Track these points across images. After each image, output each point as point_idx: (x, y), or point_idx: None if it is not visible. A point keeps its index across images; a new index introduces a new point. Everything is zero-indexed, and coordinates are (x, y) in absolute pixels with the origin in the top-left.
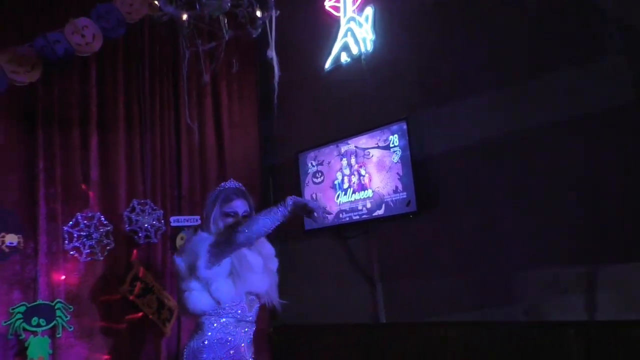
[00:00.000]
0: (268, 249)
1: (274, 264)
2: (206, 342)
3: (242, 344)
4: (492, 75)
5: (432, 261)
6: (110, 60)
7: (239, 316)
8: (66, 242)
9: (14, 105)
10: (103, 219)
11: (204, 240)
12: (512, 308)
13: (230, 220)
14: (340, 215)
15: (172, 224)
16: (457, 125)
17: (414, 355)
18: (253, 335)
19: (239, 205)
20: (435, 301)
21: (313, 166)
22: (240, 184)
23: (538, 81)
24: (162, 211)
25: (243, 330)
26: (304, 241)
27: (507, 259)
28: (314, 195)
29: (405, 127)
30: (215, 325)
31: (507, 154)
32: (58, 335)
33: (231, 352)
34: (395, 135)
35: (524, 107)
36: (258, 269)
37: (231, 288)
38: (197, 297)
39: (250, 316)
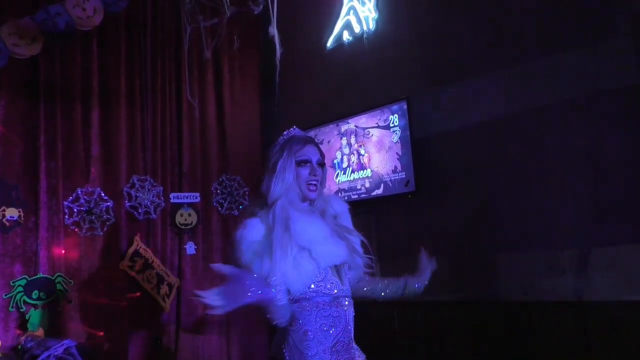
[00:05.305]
0: (337, 206)
1: (349, 221)
2: (309, 334)
3: (349, 326)
4: (495, 56)
5: (430, 241)
6: (112, 35)
7: (330, 292)
8: (66, 216)
9: (16, 79)
10: (103, 194)
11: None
12: (509, 287)
13: (304, 171)
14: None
15: (172, 201)
16: (457, 106)
17: (410, 333)
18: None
19: (312, 152)
20: (433, 281)
21: None
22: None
23: (540, 62)
24: (161, 187)
25: (343, 307)
26: None
27: (504, 240)
28: None
29: (405, 106)
30: (309, 310)
31: (506, 135)
32: (58, 309)
33: (336, 345)
34: (396, 115)
35: (524, 89)
36: (322, 236)
37: (296, 272)
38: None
39: (345, 289)
